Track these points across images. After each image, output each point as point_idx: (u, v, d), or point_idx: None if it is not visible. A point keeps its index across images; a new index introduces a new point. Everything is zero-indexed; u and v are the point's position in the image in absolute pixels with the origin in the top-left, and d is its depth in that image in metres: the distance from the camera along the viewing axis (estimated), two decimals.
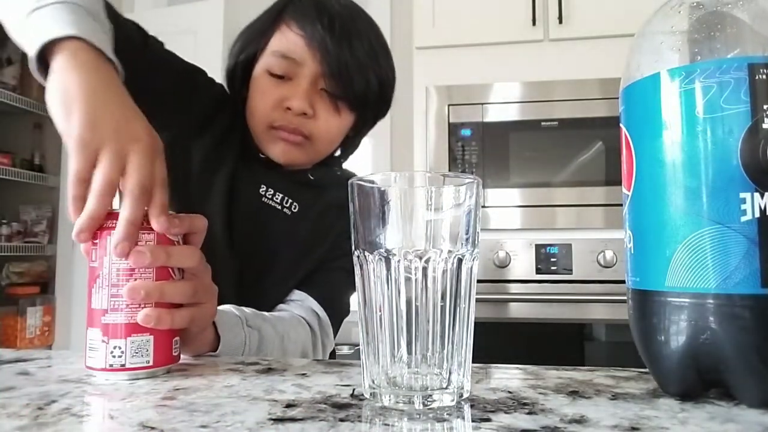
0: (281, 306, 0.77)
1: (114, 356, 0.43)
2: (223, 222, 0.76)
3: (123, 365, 0.43)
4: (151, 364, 0.43)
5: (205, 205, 0.76)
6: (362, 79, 0.74)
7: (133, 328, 0.43)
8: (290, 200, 0.80)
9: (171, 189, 0.48)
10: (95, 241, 0.44)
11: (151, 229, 0.44)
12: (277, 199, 0.80)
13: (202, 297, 0.48)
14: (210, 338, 0.54)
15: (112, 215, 0.44)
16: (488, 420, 0.32)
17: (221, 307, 0.61)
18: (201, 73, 0.79)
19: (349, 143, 0.85)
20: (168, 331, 0.45)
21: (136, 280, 0.43)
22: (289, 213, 0.80)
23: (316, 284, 0.79)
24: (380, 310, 0.35)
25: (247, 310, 0.64)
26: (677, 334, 0.34)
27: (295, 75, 0.73)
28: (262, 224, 0.79)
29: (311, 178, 0.82)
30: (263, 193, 0.79)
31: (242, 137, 0.81)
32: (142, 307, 0.43)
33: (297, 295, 0.78)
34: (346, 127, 0.79)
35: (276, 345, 0.65)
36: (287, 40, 0.73)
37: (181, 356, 0.50)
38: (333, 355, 0.87)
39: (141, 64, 0.50)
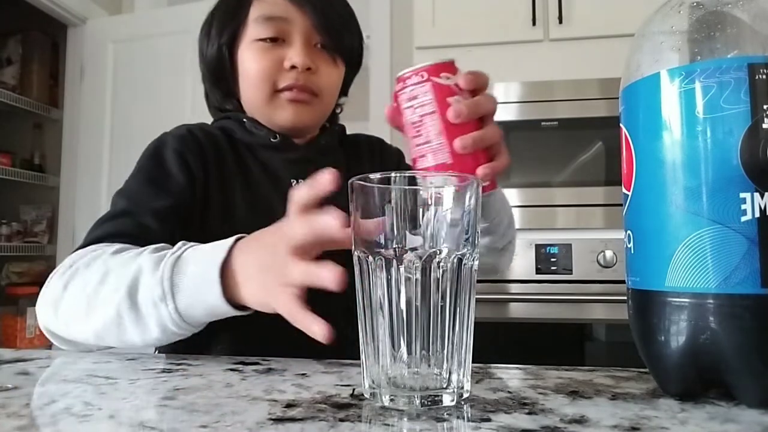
0: None
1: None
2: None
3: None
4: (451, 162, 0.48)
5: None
6: (349, 33, 0.76)
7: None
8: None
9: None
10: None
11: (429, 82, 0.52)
12: None
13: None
14: None
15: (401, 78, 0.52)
16: (488, 420, 0.32)
17: None
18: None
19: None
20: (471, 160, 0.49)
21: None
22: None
23: None
24: (380, 310, 0.35)
25: None
26: (677, 334, 0.34)
27: (287, 35, 0.72)
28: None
29: (323, 143, 0.80)
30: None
31: (250, 158, 0.76)
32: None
33: None
34: (341, 80, 0.78)
35: None
36: (268, 3, 0.73)
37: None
38: None
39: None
